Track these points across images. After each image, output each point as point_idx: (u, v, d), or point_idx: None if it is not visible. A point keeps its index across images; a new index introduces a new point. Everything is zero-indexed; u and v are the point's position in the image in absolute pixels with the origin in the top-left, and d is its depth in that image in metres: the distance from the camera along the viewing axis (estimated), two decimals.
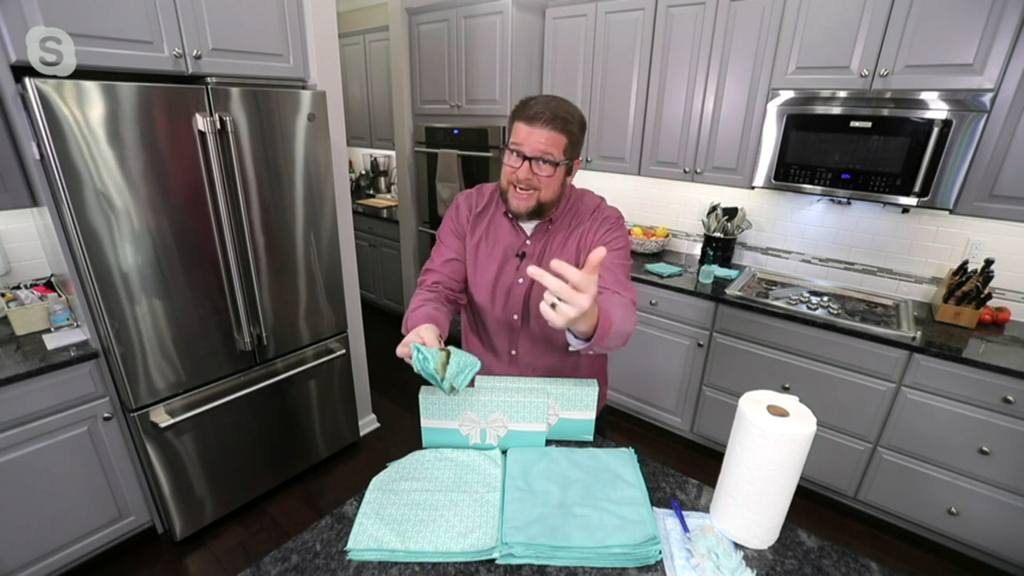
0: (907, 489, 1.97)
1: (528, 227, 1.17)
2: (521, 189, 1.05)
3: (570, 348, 0.93)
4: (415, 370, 0.90)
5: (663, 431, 2.67)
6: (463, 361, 0.92)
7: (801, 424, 0.82)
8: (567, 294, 0.75)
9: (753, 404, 0.86)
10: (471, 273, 1.21)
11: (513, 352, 1.23)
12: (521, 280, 1.16)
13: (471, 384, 1.11)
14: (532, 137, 1.00)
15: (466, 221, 1.20)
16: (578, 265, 1.10)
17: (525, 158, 1.02)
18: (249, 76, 1.79)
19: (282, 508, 2.14)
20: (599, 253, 0.76)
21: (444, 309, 1.10)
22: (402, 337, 0.96)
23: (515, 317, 1.19)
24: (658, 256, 2.79)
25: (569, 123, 1.01)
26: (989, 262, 1.92)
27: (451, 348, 0.94)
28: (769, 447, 0.82)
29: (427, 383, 1.10)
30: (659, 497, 1.00)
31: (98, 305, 1.55)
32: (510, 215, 1.15)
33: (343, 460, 2.43)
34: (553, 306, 0.78)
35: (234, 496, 2.05)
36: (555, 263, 0.75)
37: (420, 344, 0.90)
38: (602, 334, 0.86)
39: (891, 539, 2.05)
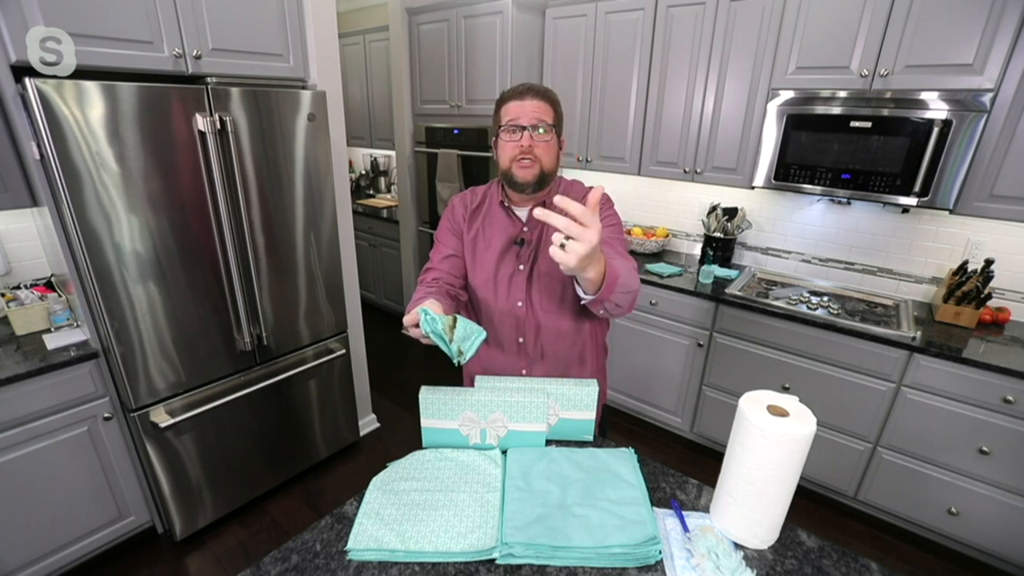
0: (907, 489, 1.97)
1: (524, 214, 1.20)
2: (525, 160, 1.10)
3: (581, 301, 0.98)
4: (423, 335, 0.92)
5: (663, 431, 2.67)
6: (470, 327, 0.95)
7: (801, 424, 0.82)
8: (575, 229, 0.77)
9: (753, 404, 0.86)
10: (470, 267, 1.23)
11: (521, 340, 1.23)
12: (522, 267, 1.19)
13: (471, 382, 1.11)
14: (525, 108, 1.08)
15: (462, 218, 1.24)
16: None
17: (523, 129, 1.08)
18: (249, 76, 1.79)
19: (282, 508, 2.14)
20: (598, 191, 0.80)
21: (445, 301, 1.11)
22: (403, 337, 0.97)
23: (519, 304, 1.20)
24: (658, 256, 2.79)
25: (551, 95, 1.12)
26: (989, 262, 1.92)
27: (457, 316, 0.96)
28: (769, 447, 0.82)
29: (428, 382, 1.11)
30: (659, 497, 1.00)
31: (98, 305, 1.55)
32: (506, 203, 1.20)
33: (343, 460, 2.43)
34: (562, 247, 0.79)
35: (234, 496, 2.05)
36: (558, 198, 0.77)
37: (427, 308, 0.93)
38: (611, 282, 0.91)
39: (891, 539, 2.05)
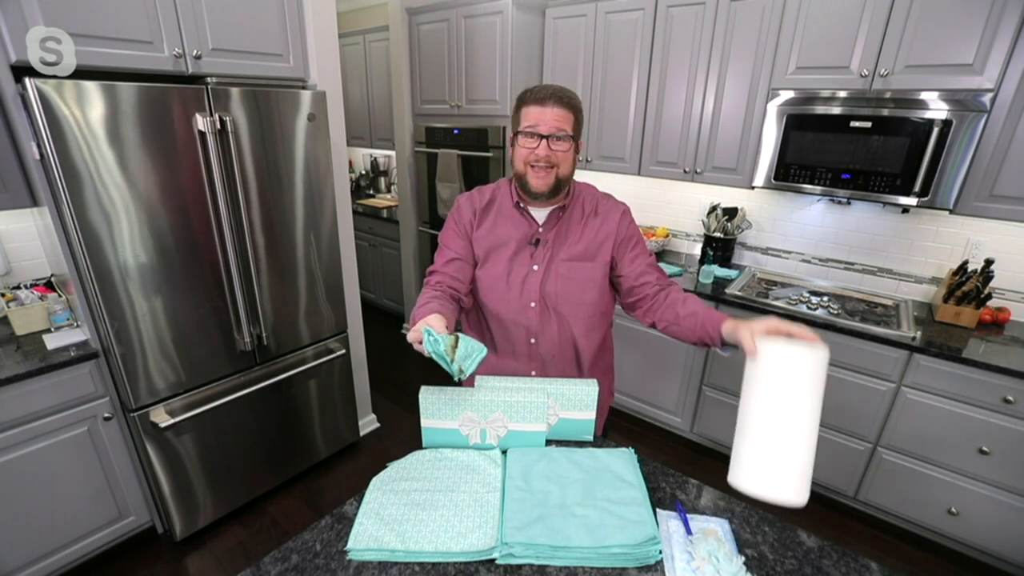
0: (907, 489, 1.97)
1: (539, 215, 1.19)
2: (540, 168, 1.09)
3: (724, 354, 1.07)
4: (426, 352, 0.93)
5: (663, 431, 2.67)
6: (470, 345, 0.96)
7: (814, 348, 0.83)
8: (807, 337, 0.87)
9: (766, 341, 0.88)
10: (481, 266, 1.22)
11: (532, 341, 1.23)
12: (536, 267, 1.18)
13: (471, 382, 1.11)
14: (546, 116, 1.07)
15: (468, 221, 1.22)
16: (595, 250, 1.19)
17: (542, 137, 1.07)
18: (249, 76, 1.79)
19: (282, 508, 2.14)
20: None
21: (450, 306, 1.11)
22: (403, 337, 0.98)
23: (532, 304, 1.20)
24: (658, 256, 2.79)
25: (574, 101, 1.10)
26: (989, 262, 1.92)
27: (459, 334, 0.97)
28: (786, 372, 0.83)
29: (428, 382, 1.11)
30: (659, 497, 1.00)
31: (98, 305, 1.55)
32: (521, 204, 1.19)
33: (343, 460, 2.43)
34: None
35: (234, 496, 2.05)
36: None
37: (431, 328, 0.94)
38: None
39: (891, 539, 2.05)
